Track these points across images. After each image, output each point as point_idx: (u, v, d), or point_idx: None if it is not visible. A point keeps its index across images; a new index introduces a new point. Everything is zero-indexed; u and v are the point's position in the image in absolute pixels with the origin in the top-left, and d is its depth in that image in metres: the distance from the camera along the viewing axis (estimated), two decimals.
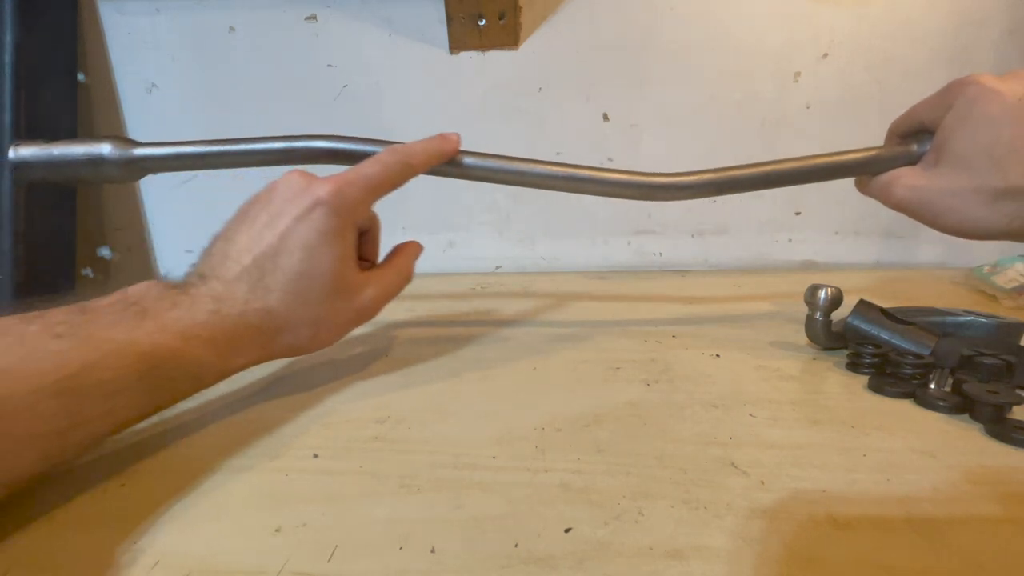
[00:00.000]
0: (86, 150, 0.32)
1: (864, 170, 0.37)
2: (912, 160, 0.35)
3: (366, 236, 0.36)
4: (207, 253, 0.29)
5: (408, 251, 0.37)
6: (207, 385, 0.27)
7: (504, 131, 0.70)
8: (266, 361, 0.30)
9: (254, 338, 0.27)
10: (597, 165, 0.38)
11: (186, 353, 0.24)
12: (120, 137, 0.34)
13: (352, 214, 0.30)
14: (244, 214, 0.30)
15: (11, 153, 0.32)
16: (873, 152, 0.36)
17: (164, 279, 0.27)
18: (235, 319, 0.26)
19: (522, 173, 0.37)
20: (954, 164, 0.31)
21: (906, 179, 0.34)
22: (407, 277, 0.35)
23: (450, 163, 0.36)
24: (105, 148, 0.33)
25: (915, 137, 0.36)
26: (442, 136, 0.35)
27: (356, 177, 0.31)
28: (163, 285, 0.26)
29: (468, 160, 0.37)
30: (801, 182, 0.38)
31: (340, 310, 0.31)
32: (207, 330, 0.25)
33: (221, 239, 0.30)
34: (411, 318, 0.50)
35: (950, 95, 0.33)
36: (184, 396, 0.27)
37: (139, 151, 0.34)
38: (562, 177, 0.37)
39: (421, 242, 0.39)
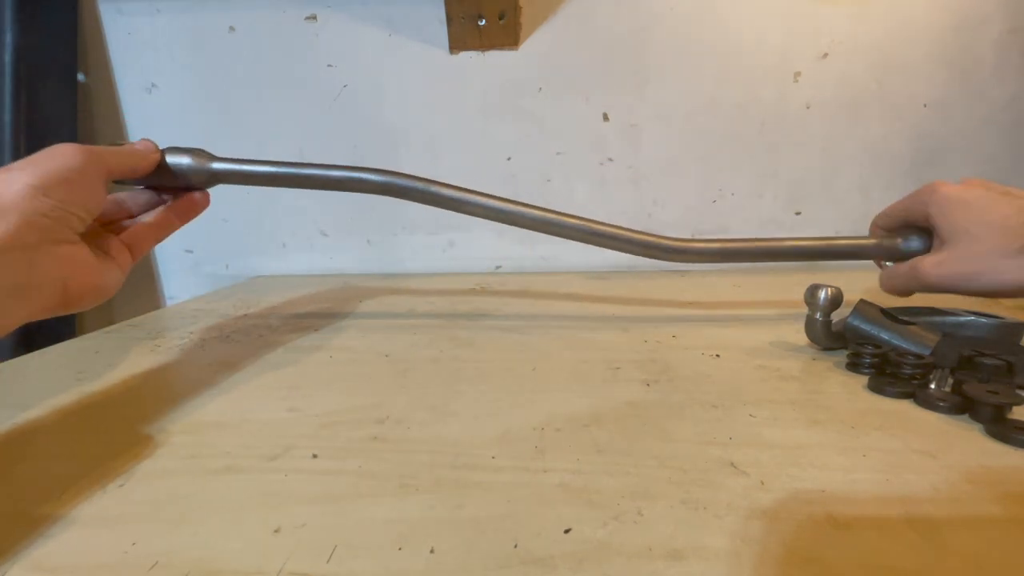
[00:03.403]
0: (169, 160, 0.36)
1: (857, 255, 0.42)
2: (898, 254, 0.41)
3: None
4: None
5: None
6: None
7: (504, 131, 0.70)
8: None
9: None
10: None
11: None
12: (200, 151, 0.38)
13: None
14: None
15: None
16: (865, 242, 0.42)
17: None
18: None
19: (543, 221, 0.41)
20: (963, 238, 0.35)
21: (928, 261, 0.37)
22: None
23: (483, 207, 0.41)
24: (186, 160, 0.37)
25: (899, 232, 0.41)
26: None
27: None
28: None
29: (495, 204, 0.41)
30: (799, 259, 0.43)
31: None
32: None
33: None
34: (411, 318, 0.50)
35: (923, 196, 0.38)
36: None
37: (215, 165, 0.38)
38: (582, 231, 0.41)
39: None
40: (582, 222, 0.41)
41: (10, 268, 0.24)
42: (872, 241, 0.42)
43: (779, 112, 0.68)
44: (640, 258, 0.42)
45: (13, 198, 0.25)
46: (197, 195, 0.38)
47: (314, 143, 0.72)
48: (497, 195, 0.41)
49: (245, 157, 0.39)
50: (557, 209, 0.42)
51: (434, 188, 0.40)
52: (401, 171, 0.40)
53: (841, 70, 0.66)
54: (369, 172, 0.39)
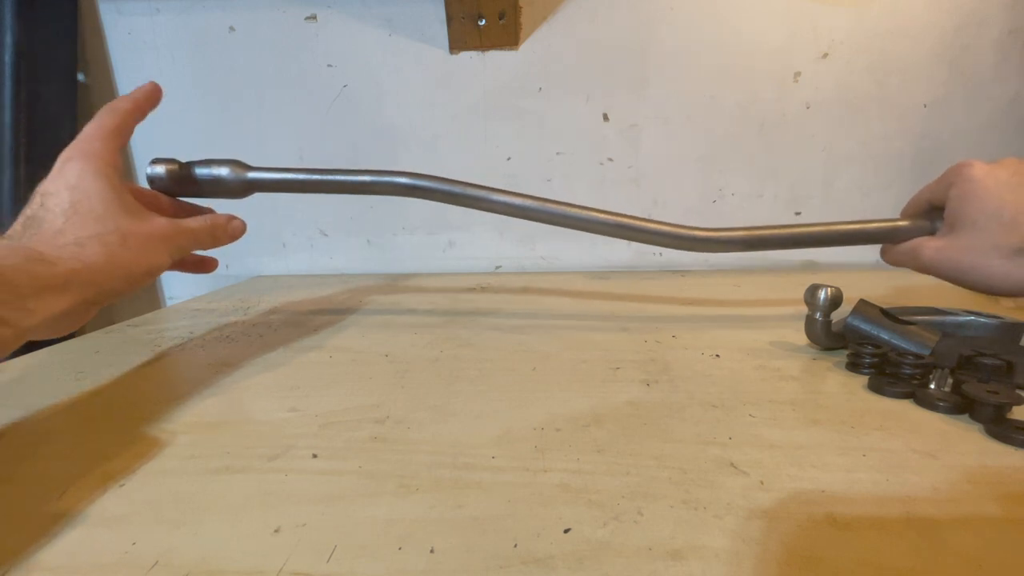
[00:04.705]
0: (208, 171, 0.39)
1: (886, 238, 0.41)
2: (929, 232, 0.40)
3: None
4: None
5: None
6: None
7: (504, 131, 0.70)
8: None
9: None
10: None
11: None
12: (236, 162, 0.40)
13: None
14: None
15: (148, 170, 0.39)
16: (896, 223, 0.41)
17: None
18: None
19: (571, 217, 0.41)
20: (969, 229, 0.35)
21: (930, 243, 0.38)
22: None
23: (507, 204, 0.41)
24: (224, 171, 0.39)
25: (927, 215, 0.40)
26: None
27: None
28: None
29: (521, 202, 0.41)
30: (826, 245, 0.42)
31: None
32: None
33: None
34: (411, 318, 0.50)
35: (949, 176, 0.37)
36: None
37: (251, 174, 0.40)
38: (609, 224, 0.41)
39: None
40: (608, 216, 0.41)
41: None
42: (902, 223, 0.41)
43: (779, 112, 0.68)
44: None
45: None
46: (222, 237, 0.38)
47: (314, 143, 0.72)
48: (520, 192, 0.41)
49: (250, 161, 0.40)
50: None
51: (458, 188, 0.41)
52: (426, 173, 0.42)
53: (841, 70, 0.66)
54: (398, 175, 0.41)
